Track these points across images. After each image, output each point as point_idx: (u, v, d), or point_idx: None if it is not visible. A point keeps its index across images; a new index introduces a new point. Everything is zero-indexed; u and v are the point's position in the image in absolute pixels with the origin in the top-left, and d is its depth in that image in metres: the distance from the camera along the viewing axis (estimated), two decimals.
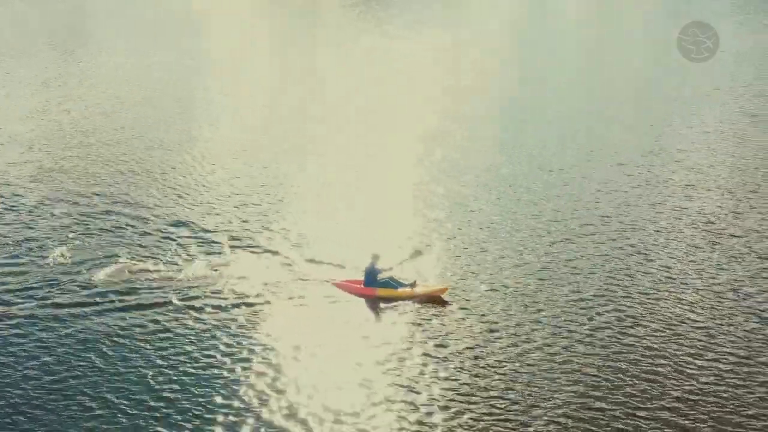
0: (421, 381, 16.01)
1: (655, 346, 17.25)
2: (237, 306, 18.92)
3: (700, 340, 17.47)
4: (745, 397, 15.48)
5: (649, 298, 19.41)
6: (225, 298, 19.25)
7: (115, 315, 18.29)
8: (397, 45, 55.88)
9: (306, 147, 32.14)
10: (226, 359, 16.65)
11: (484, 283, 20.17)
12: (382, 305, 19.27)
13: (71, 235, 22.61)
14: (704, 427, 14.63)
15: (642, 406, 15.19)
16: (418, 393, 15.59)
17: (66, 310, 18.46)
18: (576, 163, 30.12)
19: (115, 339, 17.28)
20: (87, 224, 23.52)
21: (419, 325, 18.32)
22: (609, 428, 14.55)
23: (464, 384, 15.85)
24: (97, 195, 26.01)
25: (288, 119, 36.85)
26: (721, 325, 18.18)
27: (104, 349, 16.84)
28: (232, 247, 22.11)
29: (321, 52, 54.18)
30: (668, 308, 18.89)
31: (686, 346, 17.24)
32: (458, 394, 15.52)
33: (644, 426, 14.63)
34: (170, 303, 18.92)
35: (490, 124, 36.55)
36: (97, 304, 18.78)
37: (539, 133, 34.78)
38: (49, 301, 18.81)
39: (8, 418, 14.65)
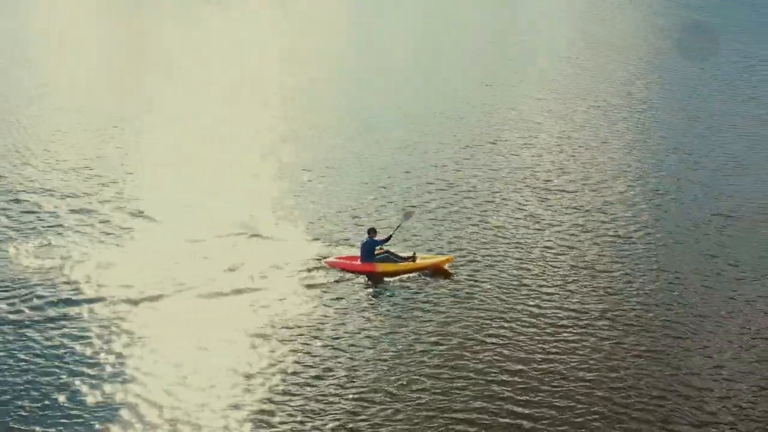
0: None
1: (492, 304, 17.92)
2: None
3: (530, 294, 18.32)
4: (562, 346, 16.30)
5: (480, 258, 20.05)
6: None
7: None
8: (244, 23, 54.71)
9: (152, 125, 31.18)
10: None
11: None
12: (384, 281, 19.21)
13: None
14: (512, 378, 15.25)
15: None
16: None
17: None
18: (415, 126, 31.42)
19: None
20: None
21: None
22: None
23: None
24: None
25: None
26: (551, 278, 19.09)
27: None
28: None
29: (166, 27, 52.27)
30: (501, 266, 19.60)
31: (516, 299, 18.07)
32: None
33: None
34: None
35: (335, 96, 37.25)
36: None
37: (381, 99, 36.07)
38: None
39: None
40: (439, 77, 40.87)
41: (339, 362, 15.71)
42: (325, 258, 19.97)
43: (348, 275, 19.42)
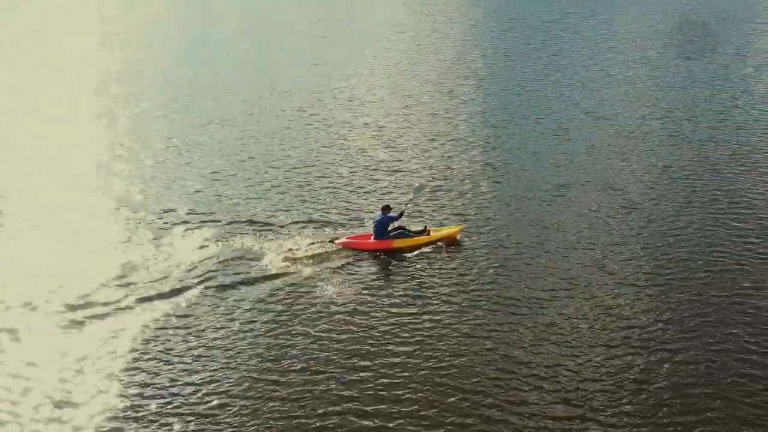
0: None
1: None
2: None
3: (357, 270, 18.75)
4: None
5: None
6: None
7: None
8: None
9: None
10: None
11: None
12: (402, 257, 19.33)
13: None
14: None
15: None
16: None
17: None
18: (253, 107, 32.76)
19: None
20: None
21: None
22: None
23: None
24: None
25: None
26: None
27: None
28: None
29: None
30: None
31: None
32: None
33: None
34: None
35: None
36: None
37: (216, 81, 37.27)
38: None
39: None
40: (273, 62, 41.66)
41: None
42: (336, 239, 19.91)
43: (364, 254, 19.48)
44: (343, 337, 15.87)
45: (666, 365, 14.69)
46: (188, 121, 31.13)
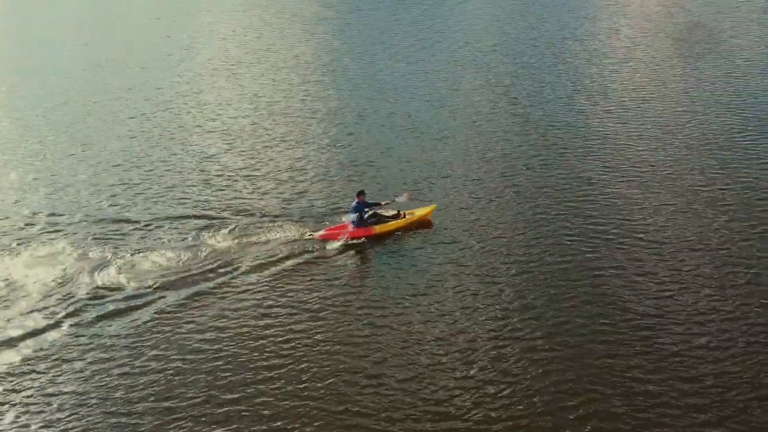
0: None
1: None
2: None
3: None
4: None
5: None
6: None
7: None
8: None
9: None
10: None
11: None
12: (381, 242, 19.70)
13: None
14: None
15: None
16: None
17: None
18: (91, 112, 31.47)
19: None
20: None
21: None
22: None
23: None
24: None
25: None
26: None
27: None
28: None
29: None
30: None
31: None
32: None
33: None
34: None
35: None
36: None
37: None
38: None
39: None
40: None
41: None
42: (313, 233, 20.02)
43: (344, 243, 19.61)
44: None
45: (528, 355, 15.07)
46: (25, 130, 29.26)
